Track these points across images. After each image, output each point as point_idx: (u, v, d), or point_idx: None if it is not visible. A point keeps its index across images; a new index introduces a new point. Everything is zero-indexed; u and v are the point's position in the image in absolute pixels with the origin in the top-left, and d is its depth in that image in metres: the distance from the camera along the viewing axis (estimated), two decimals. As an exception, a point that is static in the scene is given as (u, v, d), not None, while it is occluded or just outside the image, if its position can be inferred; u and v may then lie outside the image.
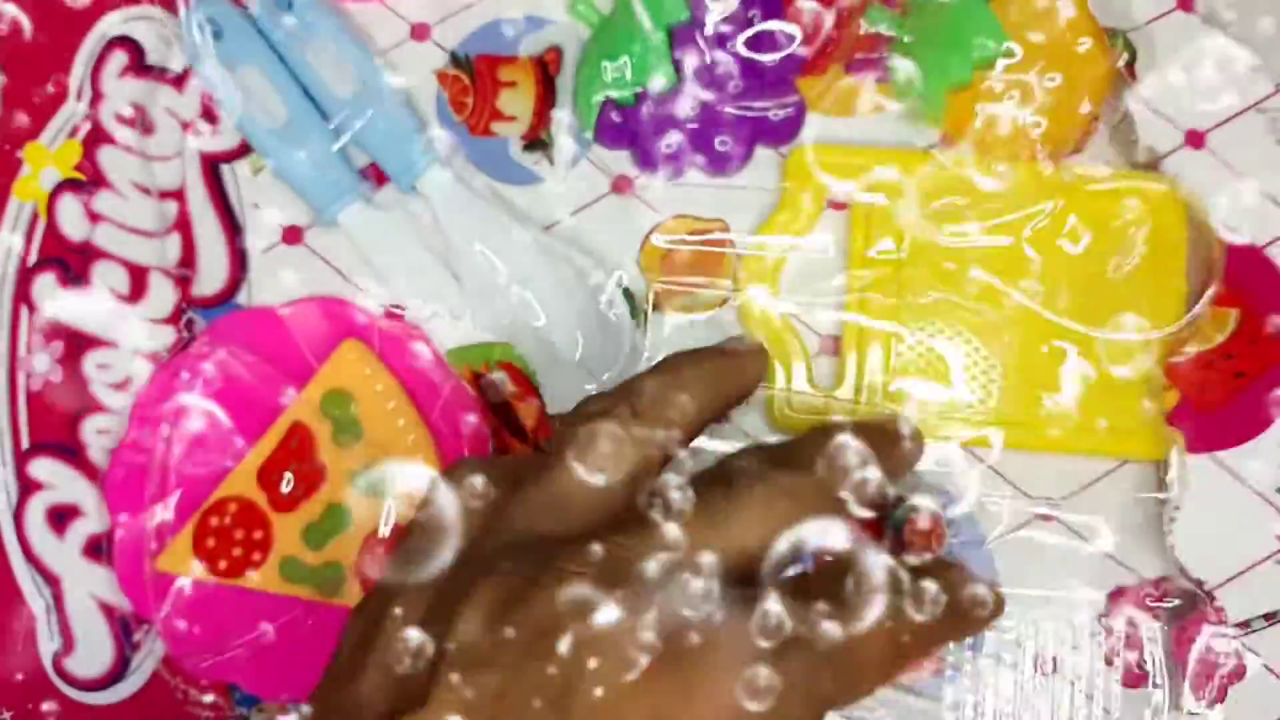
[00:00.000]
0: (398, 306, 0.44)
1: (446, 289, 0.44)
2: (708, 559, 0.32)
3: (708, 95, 0.44)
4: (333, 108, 0.44)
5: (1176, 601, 0.43)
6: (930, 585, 0.33)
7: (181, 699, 0.43)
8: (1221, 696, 0.43)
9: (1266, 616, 0.43)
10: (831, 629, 0.31)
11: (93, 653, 0.43)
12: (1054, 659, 0.43)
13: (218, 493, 0.42)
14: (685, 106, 0.44)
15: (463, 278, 0.44)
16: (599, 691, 0.29)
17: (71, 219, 0.44)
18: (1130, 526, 0.43)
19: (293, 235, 0.45)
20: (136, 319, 0.44)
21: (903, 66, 0.44)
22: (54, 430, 0.44)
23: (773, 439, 0.44)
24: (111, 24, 0.45)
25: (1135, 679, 0.43)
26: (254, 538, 0.42)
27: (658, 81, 0.43)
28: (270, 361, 0.43)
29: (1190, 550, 0.43)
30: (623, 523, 0.32)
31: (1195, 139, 0.44)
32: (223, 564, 0.42)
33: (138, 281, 0.44)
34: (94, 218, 0.45)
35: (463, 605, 0.31)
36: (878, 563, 0.32)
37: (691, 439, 0.35)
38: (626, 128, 0.44)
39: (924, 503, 0.43)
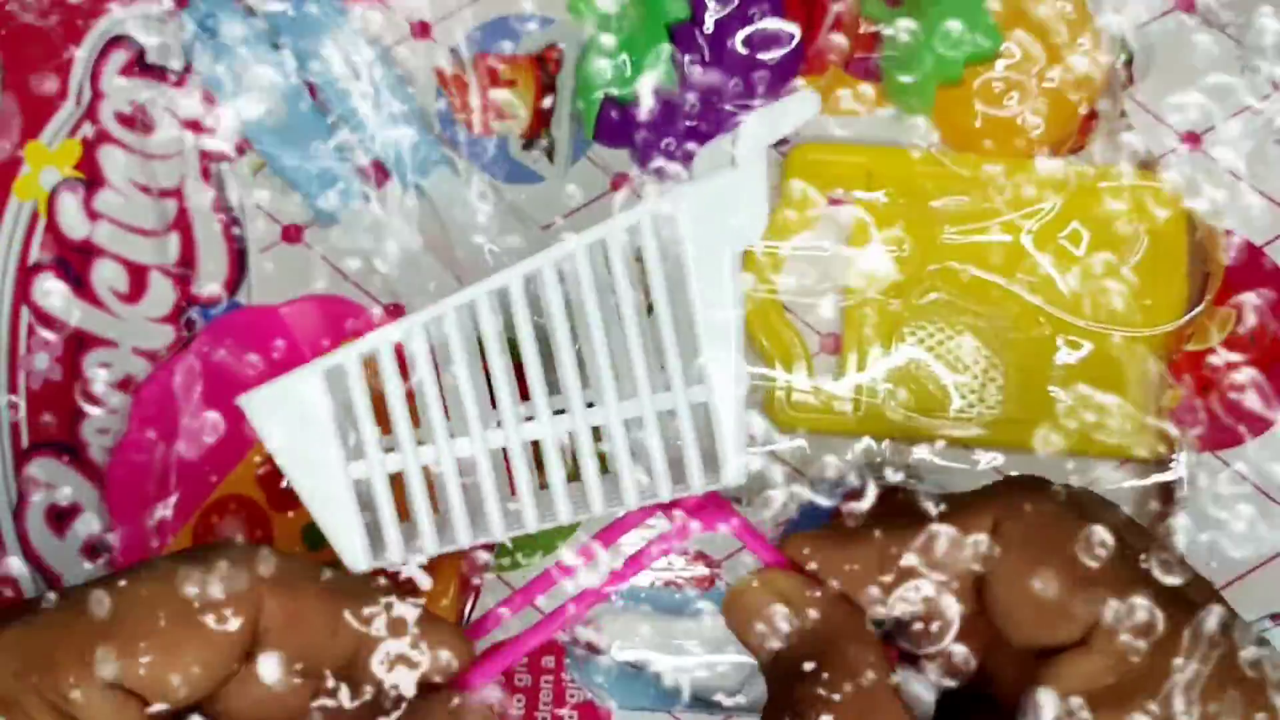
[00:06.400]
0: (398, 305, 0.44)
1: (447, 288, 0.44)
2: None
3: (707, 94, 0.44)
4: (339, 105, 0.44)
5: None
6: None
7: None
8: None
9: (1273, 617, 0.43)
10: None
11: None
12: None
13: (218, 492, 0.42)
14: (685, 105, 0.44)
15: (464, 277, 0.44)
16: None
17: (71, 218, 0.45)
18: (1131, 526, 0.43)
19: (293, 234, 0.45)
20: (136, 318, 0.44)
21: (894, 59, 0.44)
22: (54, 430, 0.44)
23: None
24: (111, 23, 0.45)
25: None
26: (254, 537, 0.42)
27: (657, 80, 0.43)
28: (270, 360, 0.43)
29: (1196, 550, 0.43)
30: None
31: (1193, 140, 0.44)
32: (222, 563, 0.42)
33: (137, 280, 0.44)
34: (94, 216, 0.45)
35: None
36: None
37: None
38: (626, 126, 0.44)
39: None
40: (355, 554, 0.31)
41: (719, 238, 0.31)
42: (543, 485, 0.33)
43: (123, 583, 0.30)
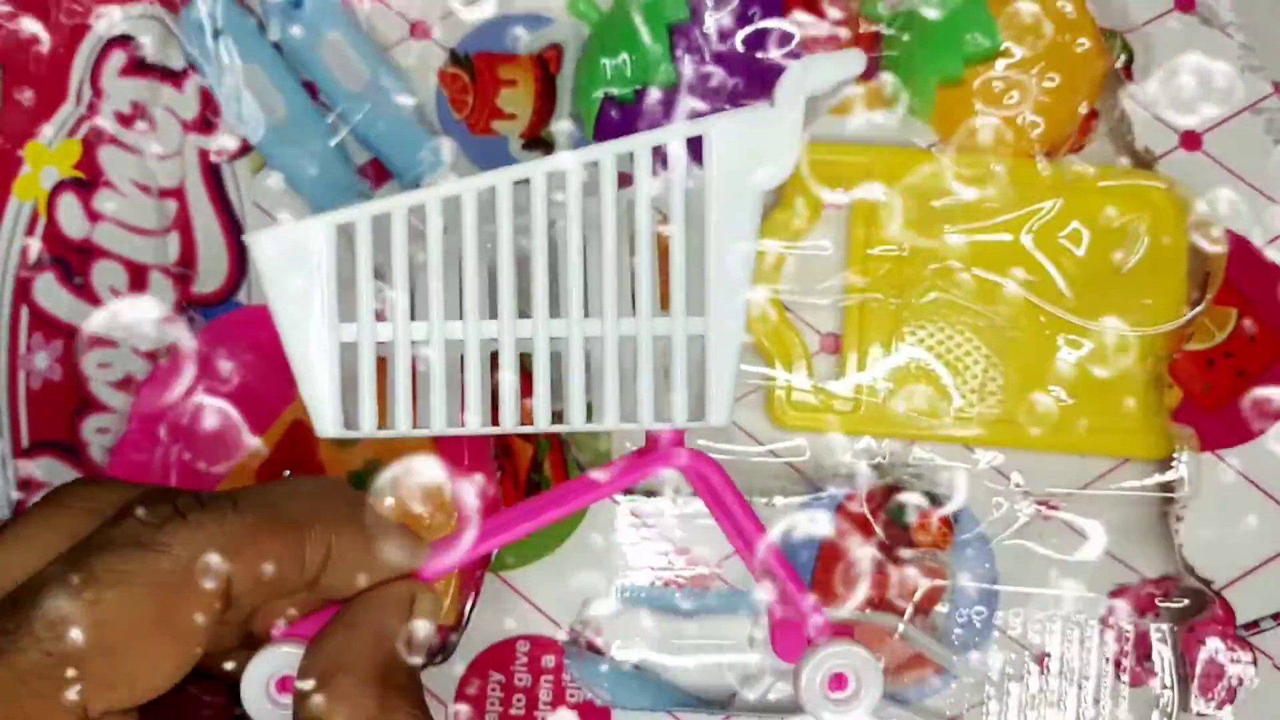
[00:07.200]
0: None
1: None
2: None
3: (707, 94, 0.44)
4: (340, 105, 0.44)
5: (1184, 601, 0.43)
6: None
7: (183, 696, 0.43)
8: (1231, 697, 0.42)
9: (1276, 616, 0.43)
10: None
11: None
12: (1059, 659, 0.43)
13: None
14: (685, 105, 0.44)
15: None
16: None
17: (71, 218, 0.45)
18: (1130, 526, 0.43)
19: (293, 234, 0.45)
20: (136, 317, 0.44)
21: (894, 58, 0.44)
22: (54, 429, 0.44)
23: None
24: (111, 23, 0.45)
25: (1142, 679, 0.43)
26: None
27: (657, 80, 0.44)
28: (270, 360, 0.43)
29: (1198, 550, 0.43)
30: None
31: (1192, 140, 0.44)
32: (222, 563, 0.42)
33: (138, 280, 0.45)
34: (94, 216, 0.45)
35: None
36: None
37: None
38: (626, 125, 0.44)
39: (929, 501, 0.43)
40: (326, 419, 0.30)
41: (745, 172, 0.30)
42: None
43: (89, 595, 0.27)
